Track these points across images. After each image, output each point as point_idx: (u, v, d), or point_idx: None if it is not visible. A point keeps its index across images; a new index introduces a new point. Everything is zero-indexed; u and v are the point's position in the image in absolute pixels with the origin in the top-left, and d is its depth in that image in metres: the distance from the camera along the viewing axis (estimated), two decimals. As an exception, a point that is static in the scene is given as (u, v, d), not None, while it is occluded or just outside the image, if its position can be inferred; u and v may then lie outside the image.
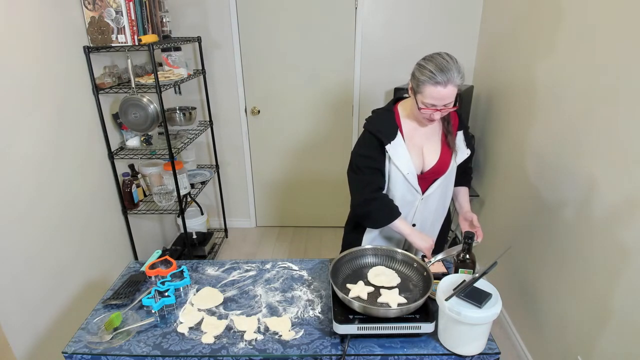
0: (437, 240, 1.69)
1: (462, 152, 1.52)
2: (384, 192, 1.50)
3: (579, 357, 1.65)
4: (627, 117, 1.42)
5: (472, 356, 1.06)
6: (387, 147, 1.42)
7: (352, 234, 1.66)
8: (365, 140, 1.48)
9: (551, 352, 1.87)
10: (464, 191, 1.66)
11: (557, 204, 1.84)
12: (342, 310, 1.10)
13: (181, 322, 1.18)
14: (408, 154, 1.44)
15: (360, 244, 1.61)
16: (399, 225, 1.44)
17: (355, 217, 1.59)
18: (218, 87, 3.07)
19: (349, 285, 1.19)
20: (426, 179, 1.49)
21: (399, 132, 1.44)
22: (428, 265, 1.21)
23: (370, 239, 1.61)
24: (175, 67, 2.53)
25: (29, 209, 1.73)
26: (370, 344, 1.09)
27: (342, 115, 3.12)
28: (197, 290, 1.32)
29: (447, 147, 1.50)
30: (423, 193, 1.50)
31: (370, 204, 1.45)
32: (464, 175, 1.66)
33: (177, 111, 2.77)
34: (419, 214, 1.54)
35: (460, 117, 1.55)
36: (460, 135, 1.53)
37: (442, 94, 1.27)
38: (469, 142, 1.56)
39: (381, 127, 1.45)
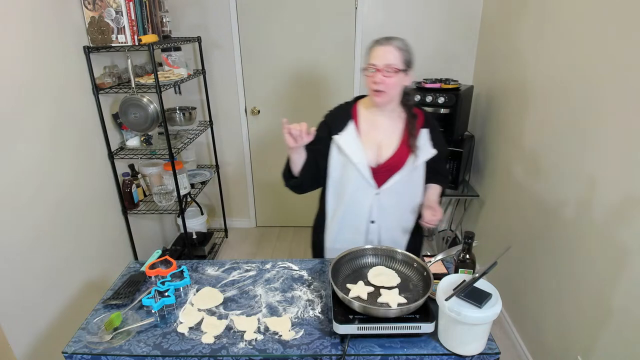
0: (412, 244, 1.63)
1: (425, 151, 1.49)
2: (334, 182, 1.52)
3: (579, 357, 1.65)
4: (627, 116, 1.42)
5: (472, 356, 1.06)
6: (335, 137, 1.45)
7: (315, 234, 1.66)
8: (318, 126, 1.51)
9: (551, 352, 1.87)
10: (433, 186, 1.60)
11: (557, 204, 1.84)
12: (342, 310, 1.10)
13: (181, 322, 1.18)
14: (359, 144, 1.45)
15: (323, 244, 1.61)
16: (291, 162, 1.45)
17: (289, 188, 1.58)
18: (218, 87, 3.07)
19: (349, 285, 1.19)
20: (382, 173, 1.47)
21: (352, 123, 1.47)
22: (428, 266, 1.21)
23: (332, 238, 1.59)
24: (175, 67, 2.53)
25: (28, 208, 1.73)
26: (370, 344, 1.09)
27: (342, 115, 3.12)
28: (197, 290, 1.32)
29: (407, 144, 1.48)
30: (379, 187, 1.49)
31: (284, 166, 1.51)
32: (436, 175, 1.60)
33: (177, 111, 2.77)
34: (376, 210, 1.51)
35: (426, 116, 1.54)
36: (424, 133, 1.50)
37: (381, 52, 1.37)
38: (438, 142, 1.53)
39: (334, 117, 1.50)
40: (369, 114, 1.50)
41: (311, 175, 1.50)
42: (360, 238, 1.56)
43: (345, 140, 1.45)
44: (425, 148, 1.49)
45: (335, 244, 1.59)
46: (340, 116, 1.50)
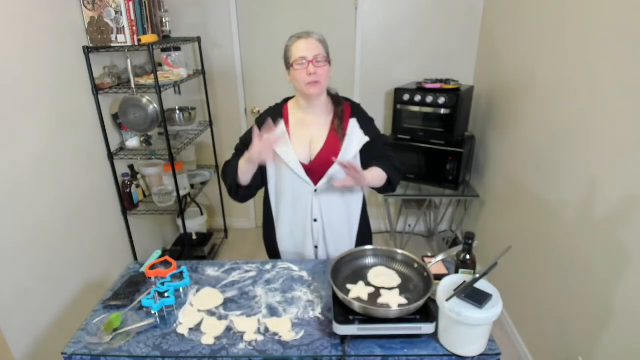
0: (360, 241, 1.61)
1: (357, 140, 1.46)
2: (273, 184, 1.52)
3: (579, 358, 1.65)
4: (627, 116, 1.41)
5: (473, 357, 1.05)
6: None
7: (266, 240, 1.64)
8: (249, 130, 1.50)
9: (552, 352, 1.87)
10: (373, 167, 1.46)
11: (557, 204, 1.84)
12: (342, 311, 1.10)
13: (181, 323, 1.17)
14: (289, 142, 1.45)
15: (276, 248, 1.60)
16: (239, 166, 1.40)
17: (229, 194, 1.53)
18: (218, 87, 3.07)
19: (349, 286, 1.19)
20: (317, 170, 1.46)
21: (282, 123, 1.47)
22: (429, 266, 1.21)
23: (284, 242, 1.58)
24: (175, 67, 2.53)
25: (28, 209, 1.72)
26: (371, 345, 1.09)
27: (342, 116, 3.12)
28: (197, 291, 1.31)
29: (336, 135, 1.47)
30: (316, 185, 1.47)
31: (224, 169, 1.48)
32: (378, 160, 1.48)
33: (177, 111, 2.77)
34: (317, 208, 1.49)
35: (353, 106, 1.53)
36: (353, 122, 1.48)
37: (306, 44, 1.38)
38: (370, 129, 1.49)
39: (265, 118, 1.47)
40: (300, 113, 1.50)
41: (257, 183, 1.49)
42: (308, 238, 1.54)
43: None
44: (356, 137, 1.47)
45: (288, 247, 1.59)
46: (271, 117, 1.48)
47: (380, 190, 1.52)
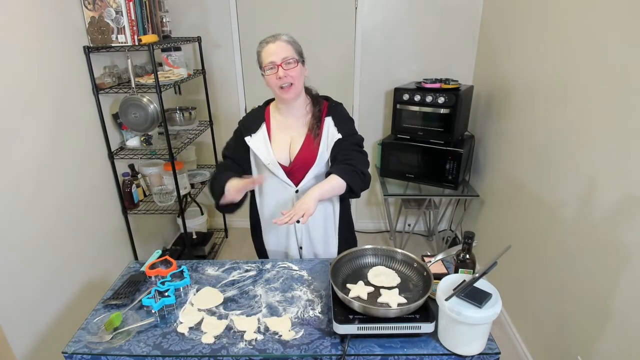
0: (343, 245, 1.59)
1: (331, 137, 1.45)
2: (257, 186, 1.53)
3: (578, 357, 1.65)
4: (627, 116, 1.42)
5: (472, 356, 1.05)
6: (247, 139, 1.47)
7: (255, 240, 1.66)
8: (234, 132, 1.55)
9: (551, 352, 1.87)
10: (330, 177, 1.37)
11: (557, 204, 1.84)
12: (342, 310, 1.10)
13: (181, 322, 1.18)
14: (268, 144, 1.46)
15: (264, 248, 1.62)
16: (228, 186, 1.38)
17: (216, 208, 1.55)
18: (218, 87, 3.07)
19: (349, 285, 1.19)
20: (297, 171, 1.47)
21: (263, 125, 1.48)
22: (428, 266, 1.21)
23: (271, 242, 1.60)
24: (175, 67, 2.53)
25: (28, 208, 1.73)
26: (370, 344, 1.09)
27: (342, 115, 3.12)
28: (197, 290, 1.32)
29: (312, 135, 1.47)
30: (297, 186, 1.48)
31: (212, 183, 1.48)
32: (339, 163, 1.42)
33: (177, 111, 2.77)
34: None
35: (330, 105, 1.51)
36: (328, 121, 1.47)
37: (274, 49, 1.37)
38: (343, 128, 1.46)
39: (246, 121, 1.51)
40: (279, 116, 1.51)
41: (246, 197, 1.50)
42: (292, 239, 1.56)
43: (255, 143, 1.46)
44: (330, 136, 1.46)
45: (274, 247, 1.60)
46: (253, 120, 1.50)
47: (342, 196, 1.49)
